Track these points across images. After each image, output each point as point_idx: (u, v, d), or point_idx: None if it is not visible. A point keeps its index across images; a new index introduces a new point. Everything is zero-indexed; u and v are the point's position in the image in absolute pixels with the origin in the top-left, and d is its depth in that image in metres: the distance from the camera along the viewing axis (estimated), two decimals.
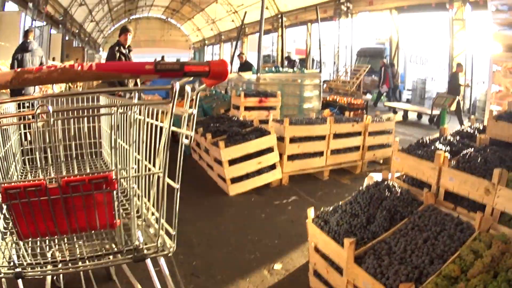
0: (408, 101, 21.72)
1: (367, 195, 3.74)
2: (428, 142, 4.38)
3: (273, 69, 12.41)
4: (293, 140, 6.58)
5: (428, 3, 17.86)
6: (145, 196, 2.02)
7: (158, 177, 1.87)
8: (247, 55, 16.82)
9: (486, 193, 3.34)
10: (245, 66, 13.61)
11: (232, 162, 6.05)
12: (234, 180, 6.12)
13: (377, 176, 4.69)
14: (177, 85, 1.51)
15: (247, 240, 4.69)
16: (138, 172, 1.96)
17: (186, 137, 1.76)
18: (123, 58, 7.55)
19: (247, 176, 6.20)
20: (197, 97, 1.72)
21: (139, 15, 44.69)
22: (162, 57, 23.38)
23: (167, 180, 1.78)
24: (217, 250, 4.44)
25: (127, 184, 2.23)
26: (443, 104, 12.21)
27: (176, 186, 1.83)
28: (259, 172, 6.26)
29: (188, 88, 1.60)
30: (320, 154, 6.87)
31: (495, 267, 2.77)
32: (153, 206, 2.07)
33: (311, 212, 3.75)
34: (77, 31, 31.61)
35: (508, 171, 3.31)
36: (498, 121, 4.34)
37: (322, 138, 6.80)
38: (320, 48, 13.07)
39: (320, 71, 11.88)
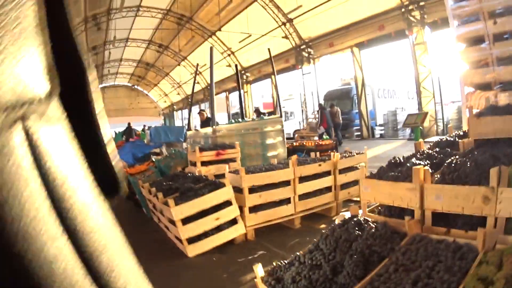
0: (381, 136, 21.76)
1: (331, 238, 3.01)
2: (402, 160, 3.69)
3: (232, 121, 12.02)
4: (253, 190, 6.05)
5: (387, 33, 17.92)
6: None
7: None
8: (216, 116, 16.67)
9: (485, 202, 2.61)
10: (207, 123, 13.34)
11: (187, 220, 5.50)
12: (192, 240, 5.56)
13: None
14: None
15: None
16: None
17: None
18: None
19: (206, 234, 5.61)
20: None
21: (105, 84, 44.37)
22: (129, 124, 23.48)
23: None
24: None
25: None
26: (414, 122, 11.85)
27: None
28: (218, 229, 5.68)
29: None
30: (287, 201, 6.31)
31: None
32: None
33: (258, 269, 2.94)
34: None
35: (507, 167, 2.61)
36: (481, 118, 3.70)
37: (286, 183, 6.28)
38: (277, 98, 12.76)
39: (281, 116, 11.45)
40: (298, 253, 3.11)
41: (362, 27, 19.11)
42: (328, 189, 6.66)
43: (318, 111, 19.07)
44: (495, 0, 5.06)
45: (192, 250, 5.50)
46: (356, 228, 3.03)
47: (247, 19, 23.02)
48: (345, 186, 6.84)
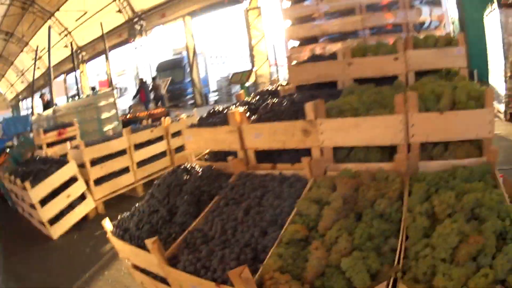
0: (216, 102, 22.12)
1: (163, 186, 3.15)
2: (221, 110, 3.85)
3: (70, 100, 11.62)
4: (95, 162, 6.12)
5: (221, 0, 17.98)
6: None
7: None
8: (55, 101, 15.62)
9: (306, 135, 2.88)
10: (48, 106, 13.17)
11: (44, 202, 5.53)
12: (53, 221, 5.61)
13: None
14: None
15: (77, 277, 4.43)
16: None
17: None
18: None
19: (62, 213, 5.69)
20: None
21: None
22: None
23: None
24: None
25: None
26: (240, 79, 12.30)
27: None
28: (71, 206, 5.79)
29: None
30: (127, 170, 6.48)
31: (353, 208, 2.28)
32: None
33: (106, 224, 3.07)
34: None
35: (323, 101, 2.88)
36: (301, 65, 4.06)
37: (123, 152, 6.42)
38: (110, 74, 12.46)
39: (112, 89, 11.38)
40: (137, 204, 3.22)
41: None
42: (163, 154, 6.89)
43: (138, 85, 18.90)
44: None
45: (55, 232, 5.55)
46: (185, 174, 3.18)
47: None
48: (179, 149, 7.01)
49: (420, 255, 1.83)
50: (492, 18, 8.94)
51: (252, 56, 16.83)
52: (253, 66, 15.63)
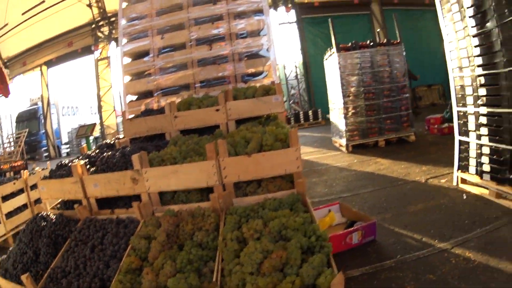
0: (68, 154, 21.62)
1: (27, 231, 3.51)
2: (67, 163, 4.10)
3: None
4: None
5: (75, 49, 18.00)
6: None
7: None
8: None
9: (135, 182, 3.23)
10: None
11: None
12: None
13: None
14: None
15: None
16: None
17: None
18: None
19: None
20: None
21: None
22: None
23: None
24: None
25: None
26: (85, 132, 12.33)
27: None
28: None
29: None
30: None
31: (176, 241, 2.73)
32: None
33: None
34: None
35: (147, 153, 3.29)
36: (133, 120, 4.39)
37: None
38: None
39: None
40: (10, 248, 3.56)
41: (53, 45, 18.70)
42: (25, 206, 6.73)
43: None
44: (163, 19, 5.85)
45: None
46: (42, 220, 3.49)
47: None
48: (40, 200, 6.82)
49: (232, 272, 2.28)
50: (331, 61, 9.94)
51: (100, 107, 16.63)
52: (101, 116, 15.44)
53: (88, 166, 3.65)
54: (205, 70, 5.61)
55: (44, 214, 3.61)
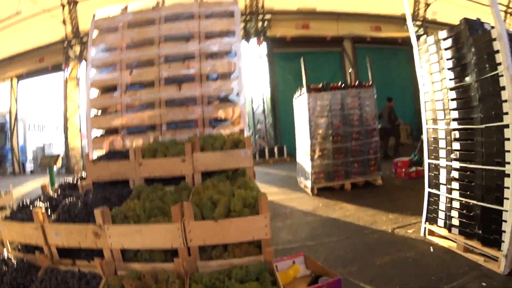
0: (32, 172, 21.25)
1: None
2: (29, 203, 3.95)
3: None
4: None
5: (46, 66, 17.78)
6: None
7: None
8: None
9: (97, 237, 3.12)
10: None
11: None
12: None
13: None
14: None
15: None
16: None
17: None
18: None
19: None
20: None
21: None
22: None
23: None
24: None
25: None
26: (49, 162, 12.15)
27: None
28: None
29: None
30: None
31: None
32: None
33: None
34: None
35: (111, 209, 3.19)
36: (97, 163, 4.23)
37: None
38: None
39: None
40: None
41: (25, 58, 18.47)
42: None
43: None
44: (134, 53, 5.71)
45: None
46: (3, 264, 3.35)
47: None
48: None
49: None
50: (300, 100, 9.81)
51: (66, 128, 16.30)
52: (66, 137, 15.04)
53: (49, 211, 3.54)
54: (173, 112, 5.47)
55: (6, 258, 3.48)
